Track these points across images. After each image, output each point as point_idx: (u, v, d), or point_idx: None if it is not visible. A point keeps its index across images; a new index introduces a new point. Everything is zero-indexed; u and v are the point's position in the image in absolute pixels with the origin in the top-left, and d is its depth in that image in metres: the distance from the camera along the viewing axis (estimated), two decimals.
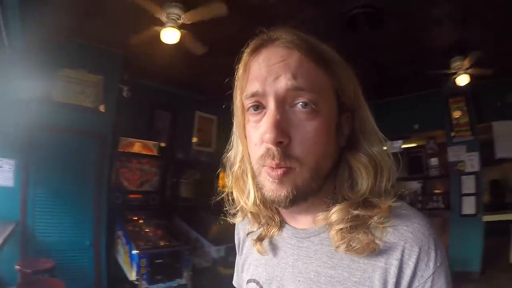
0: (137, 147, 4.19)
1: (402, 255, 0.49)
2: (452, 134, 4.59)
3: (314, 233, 0.56)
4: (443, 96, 4.63)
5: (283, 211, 0.61)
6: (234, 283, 0.77)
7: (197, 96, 5.14)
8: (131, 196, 3.99)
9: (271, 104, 0.50)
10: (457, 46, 3.61)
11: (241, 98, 0.54)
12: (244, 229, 0.71)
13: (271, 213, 0.61)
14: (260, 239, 0.62)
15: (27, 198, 3.15)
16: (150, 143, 4.32)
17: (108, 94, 3.71)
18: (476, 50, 3.37)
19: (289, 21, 2.96)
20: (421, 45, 3.64)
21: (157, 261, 3.30)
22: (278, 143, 0.48)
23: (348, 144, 0.55)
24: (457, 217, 4.43)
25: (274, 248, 0.62)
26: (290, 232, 0.60)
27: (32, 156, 3.22)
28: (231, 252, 3.83)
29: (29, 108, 3.13)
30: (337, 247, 0.51)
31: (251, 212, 0.61)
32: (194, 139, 5.10)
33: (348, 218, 0.50)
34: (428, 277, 0.48)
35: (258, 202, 0.58)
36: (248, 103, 0.52)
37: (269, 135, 0.47)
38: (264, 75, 0.50)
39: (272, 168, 0.50)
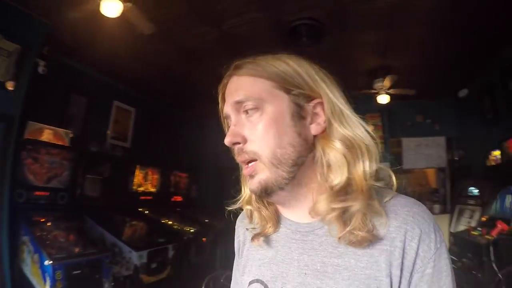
0: (47, 135, 3.51)
1: (405, 237, 0.52)
2: None
3: (318, 225, 0.59)
4: (360, 112, 5.36)
5: (280, 207, 0.66)
6: (232, 284, 0.78)
7: (117, 83, 4.63)
8: (36, 193, 3.30)
9: (232, 118, 0.63)
10: (379, 70, 4.22)
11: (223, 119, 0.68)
12: (244, 231, 0.74)
13: (267, 208, 0.66)
14: (260, 235, 0.66)
15: None
16: (62, 131, 3.68)
17: (22, 67, 3.00)
18: (393, 74, 3.98)
19: (233, 19, 3.14)
20: (349, 65, 4.16)
21: (74, 272, 2.85)
22: (235, 144, 0.61)
23: (324, 130, 0.59)
24: None
25: (277, 245, 0.64)
26: (294, 228, 0.63)
27: None
28: (154, 258, 3.67)
29: None
30: (340, 238, 0.54)
31: (250, 209, 0.68)
32: (109, 132, 4.56)
33: (334, 208, 0.53)
34: (430, 258, 0.52)
35: (255, 198, 0.66)
36: (226, 121, 0.66)
37: (226, 140, 0.61)
38: (226, 99, 0.64)
39: (245, 167, 0.61)
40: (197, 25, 3.29)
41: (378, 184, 0.56)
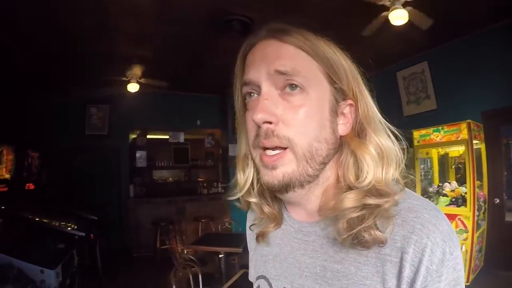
0: None
1: (411, 248, 0.45)
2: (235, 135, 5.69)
3: (321, 226, 0.55)
4: (229, 104, 5.39)
5: (286, 202, 0.61)
6: (250, 278, 0.73)
7: None
8: None
9: (262, 88, 0.52)
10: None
11: (240, 88, 0.57)
12: (251, 223, 0.69)
13: (271, 203, 0.61)
14: (262, 232, 0.62)
15: None
16: None
17: None
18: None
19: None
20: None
21: None
22: (266, 123, 0.50)
23: (353, 132, 0.54)
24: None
25: (281, 242, 0.61)
26: (297, 226, 0.59)
27: None
28: (66, 272, 2.69)
29: None
30: (344, 239, 0.49)
31: (252, 203, 0.61)
32: None
33: (359, 207, 0.48)
34: (439, 271, 0.45)
35: (257, 188, 0.60)
36: (244, 90, 0.55)
37: (256, 116, 0.49)
38: (256, 63, 0.53)
39: (266, 154, 0.51)
40: None
41: (401, 191, 0.51)
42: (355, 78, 0.55)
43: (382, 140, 0.52)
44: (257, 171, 0.57)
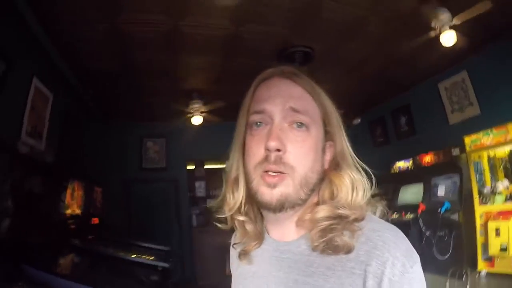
0: None
1: (374, 262, 0.50)
2: None
3: (295, 245, 0.60)
4: None
5: (268, 225, 0.65)
6: None
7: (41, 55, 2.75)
8: None
9: (274, 120, 0.57)
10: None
11: (246, 116, 0.63)
12: (234, 241, 0.74)
13: (255, 224, 0.65)
14: (244, 251, 0.67)
15: None
16: None
17: None
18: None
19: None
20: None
21: None
22: (276, 150, 0.55)
23: (331, 166, 0.62)
24: None
25: (260, 261, 0.65)
26: (274, 246, 0.63)
27: None
28: None
29: None
30: (316, 246, 0.54)
31: (238, 221, 0.66)
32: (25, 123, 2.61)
33: (330, 217, 0.55)
34: (399, 282, 0.49)
35: (244, 209, 0.64)
36: (254, 119, 0.60)
37: (271, 143, 0.55)
38: (270, 97, 0.59)
39: (268, 174, 0.56)
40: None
41: (366, 212, 0.58)
42: (338, 122, 0.63)
43: (353, 172, 0.60)
44: (248, 192, 0.62)
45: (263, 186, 0.57)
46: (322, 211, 0.56)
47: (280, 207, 0.57)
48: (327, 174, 0.61)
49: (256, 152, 0.58)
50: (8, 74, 2.30)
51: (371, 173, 0.61)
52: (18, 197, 2.23)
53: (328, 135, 0.62)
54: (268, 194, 0.56)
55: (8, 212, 2.17)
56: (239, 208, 0.64)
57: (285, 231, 0.62)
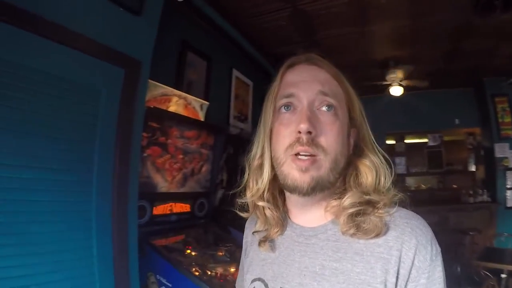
0: (175, 104, 1.97)
1: (402, 247, 0.51)
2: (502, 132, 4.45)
3: (321, 230, 0.59)
4: (489, 95, 4.48)
5: (291, 210, 0.63)
6: (236, 285, 0.76)
7: (235, 49, 3.06)
8: (167, 205, 1.78)
9: (303, 103, 0.57)
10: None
11: (273, 101, 0.61)
12: (251, 231, 0.70)
13: (277, 210, 0.63)
14: (265, 238, 0.63)
15: None
16: (195, 100, 2.13)
17: None
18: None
19: None
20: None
21: None
22: (308, 133, 0.54)
23: (355, 152, 0.61)
24: (502, 209, 4.32)
25: (280, 246, 0.63)
26: (298, 231, 0.61)
27: None
28: None
29: None
30: (346, 230, 0.54)
31: (258, 208, 0.63)
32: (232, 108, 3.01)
33: (359, 203, 0.55)
34: (425, 268, 0.50)
35: (266, 195, 0.62)
36: (282, 103, 0.58)
37: (303, 125, 0.53)
38: (298, 81, 0.59)
39: (299, 158, 0.54)
40: None
41: (389, 196, 0.57)
42: (360, 110, 0.63)
43: (375, 159, 0.60)
44: (273, 178, 0.61)
45: (295, 170, 0.55)
46: (351, 197, 0.56)
47: (310, 190, 0.55)
48: (352, 160, 0.61)
49: (287, 135, 0.57)
50: (212, 70, 2.67)
51: (390, 160, 0.61)
52: (230, 171, 2.55)
53: (352, 121, 0.61)
54: (300, 177, 0.55)
55: (223, 184, 2.53)
56: (262, 194, 0.62)
57: (311, 216, 0.61)
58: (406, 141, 5.75)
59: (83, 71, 1.21)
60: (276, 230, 0.63)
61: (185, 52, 2.44)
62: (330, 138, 0.55)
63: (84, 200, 1.17)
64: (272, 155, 0.60)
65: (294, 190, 0.56)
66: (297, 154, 0.54)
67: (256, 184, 0.63)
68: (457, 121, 4.92)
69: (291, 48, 3.36)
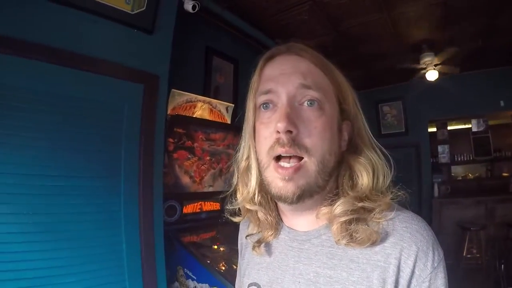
0: (201, 110, 2.10)
1: (401, 255, 0.48)
2: None
3: (315, 235, 0.55)
4: None
5: (284, 213, 0.60)
6: (236, 286, 0.73)
7: (261, 48, 3.09)
8: (197, 204, 1.92)
9: (283, 99, 0.52)
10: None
11: (253, 99, 0.56)
12: (245, 234, 0.66)
13: (270, 214, 0.59)
14: (259, 241, 0.60)
15: None
16: (218, 103, 2.24)
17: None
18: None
19: None
20: None
21: None
22: (288, 132, 0.49)
23: (348, 148, 0.56)
24: None
25: (275, 251, 0.60)
26: (292, 235, 0.58)
27: None
28: None
29: None
30: (339, 240, 0.50)
31: (250, 212, 0.61)
32: None
33: (351, 211, 0.50)
34: (426, 277, 0.47)
35: (258, 198, 0.58)
36: (261, 100, 0.54)
37: (280, 124, 0.48)
38: (277, 75, 0.53)
39: (282, 166, 0.50)
40: None
41: (389, 198, 0.52)
42: (354, 100, 0.57)
43: (373, 155, 0.55)
44: (262, 181, 0.56)
45: (278, 179, 0.51)
46: (343, 204, 0.51)
47: (297, 199, 0.50)
48: (345, 157, 0.55)
49: (267, 136, 0.52)
50: (239, 72, 2.76)
51: (389, 156, 0.56)
52: None
53: (344, 114, 0.56)
54: (283, 187, 0.50)
55: None
56: (252, 197, 0.59)
57: (303, 221, 0.57)
58: (450, 127, 5.16)
59: (106, 91, 1.39)
60: (269, 233, 0.59)
61: (210, 57, 2.58)
62: (315, 136, 0.50)
63: (113, 202, 1.35)
64: (257, 157, 0.56)
65: (279, 199, 0.52)
66: (279, 157, 0.50)
67: (245, 187, 0.59)
68: (502, 103, 4.29)
69: (317, 42, 3.28)
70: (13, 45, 1.13)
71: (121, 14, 1.41)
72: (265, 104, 0.53)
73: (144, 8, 1.49)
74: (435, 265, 0.47)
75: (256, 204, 0.59)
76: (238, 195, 0.61)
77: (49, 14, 1.22)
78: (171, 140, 1.82)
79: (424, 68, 3.66)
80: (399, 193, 0.53)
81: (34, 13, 1.19)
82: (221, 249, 1.81)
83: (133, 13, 1.45)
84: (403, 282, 0.47)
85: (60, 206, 1.20)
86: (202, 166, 2.00)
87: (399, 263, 0.47)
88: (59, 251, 1.15)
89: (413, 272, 0.47)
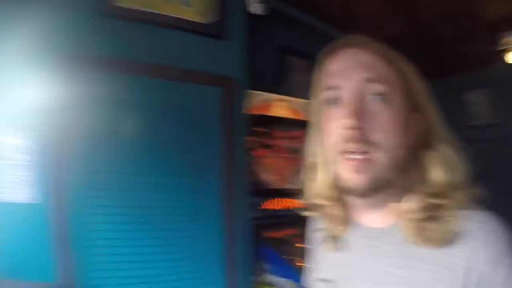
0: (278, 108, 2.12)
1: (471, 257, 0.46)
2: None
3: (386, 232, 0.54)
4: None
5: (355, 208, 0.59)
6: (303, 282, 0.75)
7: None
8: (278, 200, 1.94)
9: (347, 95, 0.51)
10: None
11: (317, 94, 0.56)
12: (314, 228, 0.69)
13: (339, 209, 0.59)
14: (328, 237, 0.61)
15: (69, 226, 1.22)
16: (297, 101, 2.23)
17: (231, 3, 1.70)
18: None
19: None
20: None
21: None
22: (355, 128, 0.48)
23: (418, 142, 0.54)
24: None
25: (345, 246, 0.60)
26: (362, 232, 0.58)
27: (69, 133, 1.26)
28: None
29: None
30: (410, 238, 0.49)
31: (319, 207, 0.61)
32: None
33: (423, 208, 0.49)
34: (497, 284, 0.44)
35: (326, 193, 0.59)
36: (325, 96, 0.54)
37: (348, 121, 0.48)
38: (341, 70, 0.53)
39: (351, 159, 0.49)
40: None
41: (462, 196, 0.49)
42: (423, 91, 0.55)
43: (445, 149, 0.52)
44: (330, 175, 0.56)
45: (347, 171, 0.51)
46: (411, 201, 0.50)
47: (367, 192, 0.50)
48: (416, 151, 0.53)
49: (333, 131, 0.52)
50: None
51: (468, 149, 0.53)
52: None
53: (412, 106, 0.54)
54: (353, 180, 0.50)
55: None
56: (321, 192, 0.60)
57: (375, 217, 0.56)
58: None
59: (188, 97, 1.54)
60: (339, 229, 0.60)
61: (285, 56, 2.58)
62: (383, 130, 0.49)
63: (198, 198, 1.48)
64: (324, 153, 0.57)
65: (349, 192, 0.52)
66: (347, 152, 0.50)
67: (313, 183, 0.61)
68: None
69: (389, 31, 2.96)
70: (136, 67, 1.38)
71: (197, 26, 1.55)
72: (330, 100, 0.53)
73: (216, 17, 1.60)
74: (510, 270, 0.44)
75: (325, 199, 0.59)
76: (307, 191, 0.62)
77: (151, 36, 1.44)
78: (251, 139, 1.89)
79: (505, 50, 3.13)
80: (475, 191, 0.50)
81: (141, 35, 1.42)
82: (302, 245, 1.79)
83: (207, 23, 1.57)
84: (472, 285, 0.45)
85: (157, 201, 1.38)
86: (282, 164, 2.01)
87: (470, 266, 0.45)
88: (152, 240, 1.35)
89: (483, 277, 0.44)
